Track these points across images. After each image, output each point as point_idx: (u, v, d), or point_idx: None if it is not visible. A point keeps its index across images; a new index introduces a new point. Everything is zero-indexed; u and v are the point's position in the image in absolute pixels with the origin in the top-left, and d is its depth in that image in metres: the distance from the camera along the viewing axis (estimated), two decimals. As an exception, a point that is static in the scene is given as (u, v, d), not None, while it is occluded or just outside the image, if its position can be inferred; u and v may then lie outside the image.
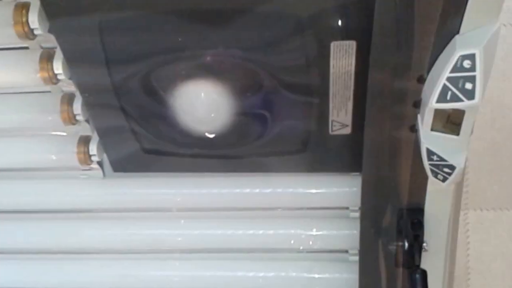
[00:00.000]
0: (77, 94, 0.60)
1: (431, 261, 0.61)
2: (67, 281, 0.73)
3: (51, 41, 0.57)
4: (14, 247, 0.74)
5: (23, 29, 0.53)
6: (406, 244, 0.60)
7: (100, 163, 0.67)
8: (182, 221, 0.70)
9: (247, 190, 0.66)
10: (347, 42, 0.51)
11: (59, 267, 0.74)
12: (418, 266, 0.60)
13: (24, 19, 0.53)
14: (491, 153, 0.84)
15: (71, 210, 0.71)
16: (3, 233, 0.72)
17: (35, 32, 0.54)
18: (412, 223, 0.60)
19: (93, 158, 0.64)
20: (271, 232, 0.68)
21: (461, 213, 0.87)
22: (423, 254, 0.60)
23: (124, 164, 0.66)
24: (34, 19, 0.53)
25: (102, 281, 0.73)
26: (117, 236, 0.71)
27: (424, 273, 0.59)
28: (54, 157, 0.65)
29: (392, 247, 0.63)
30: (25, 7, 0.53)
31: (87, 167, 0.67)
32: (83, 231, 0.71)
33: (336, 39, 0.51)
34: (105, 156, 0.66)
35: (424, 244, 0.60)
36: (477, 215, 0.87)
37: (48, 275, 0.74)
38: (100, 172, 0.68)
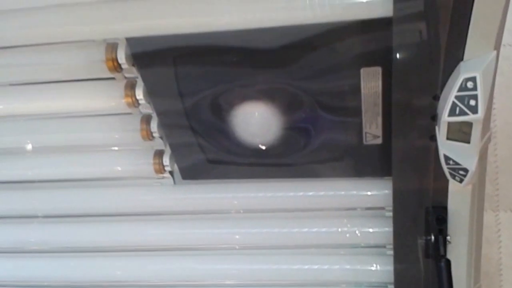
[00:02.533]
0: (154, 115, 0.76)
1: (455, 252, 0.72)
2: (141, 274, 0.88)
3: (133, 72, 0.72)
4: (96, 246, 0.89)
5: (113, 64, 0.69)
6: (432, 237, 0.72)
7: (171, 173, 0.82)
8: (240, 221, 0.84)
9: (300, 193, 0.79)
10: (374, 68, 0.64)
11: (134, 262, 0.88)
12: (443, 256, 0.71)
13: (114, 56, 0.68)
14: (519, 159, 0.95)
15: (147, 213, 0.86)
16: (89, 233, 0.88)
17: (122, 66, 0.69)
18: (437, 219, 0.71)
19: (166, 168, 0.79)
20: (323, 229, 0.81)
21: (493, 214, 0.97)
22: (448, 246, 0.72)
23: (191, 172, 0.80)
24: (121, 56, 0.68)
25: (171, 274, 0.87)
26: (184, 235, 0.85)
27: (448, 262, 0.71)
28: (134, 168, 0.81)
29: (421, 241, 0.74)
30: (114, 46, 0.69)
31: (160, 176, 0.82)
32: (156, 230, 0.86)
33: (365, 66, 0.64)
34: (175, 167, 0.81)
35: (448, 237, 0.72)
36: (507, 216, 0.97)
37: (123, 269, 0.89)
38: (171, 180, 0.83)
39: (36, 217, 0.89)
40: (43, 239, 0.89)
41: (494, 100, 0.96)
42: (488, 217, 0.97)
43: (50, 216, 0.89)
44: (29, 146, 0.83)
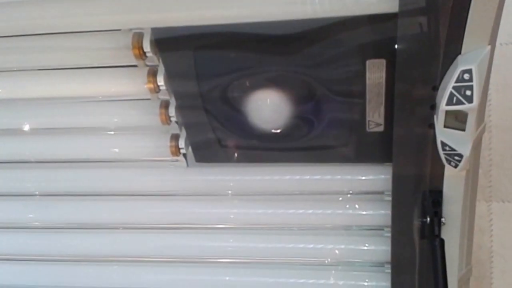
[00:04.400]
0: (172, 101, 0.82)
1: (448, 233, 0.78)
2: (147, 249, 0.95)
3: (154, 61, 0.79)
4: (114, 222, 0.96)
5: (139, 52, 0.75)
6: (428, 219, 0.78)
7: (184, 155, 0.88)
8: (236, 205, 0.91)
9: (305, 177, 0.86)
10: (378, 60, 0.71)
11: (147, 237, 0.95)
12: (438, 236, 0.78)
13: (140, 44, 0.75)
14: (511, 154, 1.01)
15: (161, 193, 0.92)
16: (108, 211, 0.94)
17: (147, 54, 0.76)
18: (433, 202, 0.77)
19: (181, 150, 0.85)
20: (328, 211, 0.87)
21: (486, 204, 1.04)
22: (442, 227, 0.78)
23: (204, 155, 0.86)
24: (147, 45, 0.74)
25: (176, 250, 0.94)
26: (194, 214, 0.92)
27: (442, 241, 0.77)
28: (151, 150, 0.87)
29: (418, 222, 0.81)
30: (140, 35, 0.75)
31: (175, 159, 0.88)
32: (168, 209, 0.93)
33: (370, 58, 0.71)
34: (188, 150, 0.87)
35: (442, 219, 0.78)
36: (499, 206, 1.03)
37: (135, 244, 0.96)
38: (184, 162, 0.89)
39: (59, 195, 0.96)
40: (65, 216, 0.96)
41: (490, 97, 1.02)
42: (481, 207, 1.04)
43: (69, 194, 0.96)
44: (50, 127, 0.90)
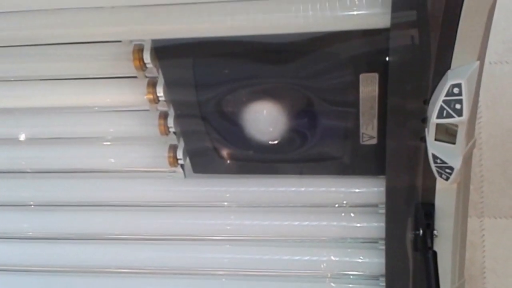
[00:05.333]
0: (170, 112, 0.85)
1: (441, 246, 0.81)
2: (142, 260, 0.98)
3: (153, 72, 0.82)
4: (110, 233, 0.98)
5: (139, 63, 0.78)
6: (421, 231, 0.81)
7: (182, 166, 0.91)
8: (232, 216, 0.93)
9: (298, 189, 0.89)
10: (371, 74, 0.74)
11: (137, 249, 0.98)
12: (430, 248, 0.80)
13: (140, 56, 0.78)
14: (502, 169, 1.05)
15: (158, 204, 0.95)
16: (104, 222, 0.97)
17: (147, 65, 0.79)
18: (425, 214, 0.80)
19: (179, 161, 0.88)
20: (314, 223, 0.90)
21: (477, 220, 1.07)
22: (434, 240, 0.81)
23: (202, 166, 0.89)
24: (147, 56, 0.78)
25: (171, 261, 0.97)
26: (191, 225, 0.94)
27: (434, 254, 0.80)
28: (148, 160, 0.90)
29: (411, 235, 0.84)
30: (141, 47, 0.78)
31: (172, 170, 0.91)
32: (164, 220, 0.95)
33: (363, 72, 0.74)
34: (186, 162, 0.90)
35: (435, 231, 0.81)
36: (491, 222, 1.06)
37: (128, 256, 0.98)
38: (182, 173, 0.91)
39: (55, 205, 0.98)
40: (61, 226, 0.98)
41: (481, 115, 1.06)
42: (473, 223, 1.07)
43: (65, 205, 0.98)
44: (47, 137, 0.93)
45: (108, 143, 0.92)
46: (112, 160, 0.91)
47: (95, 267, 1.00)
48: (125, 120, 0.88)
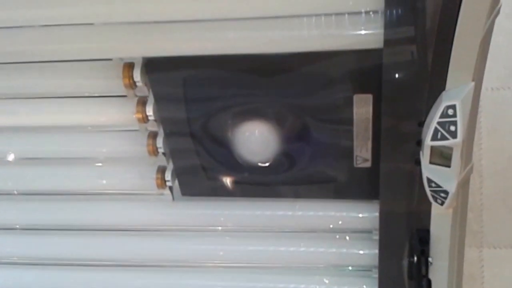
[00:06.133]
0: (160, 132, 0.84)
1: (436, 274, 0.79)
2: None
3: (144, 91, 0.82)
4: (94, 258, 0.96)
5: (129, 81, 0.78)
6: (415, 258, 0.80)
7: (170, 188, 0.90)
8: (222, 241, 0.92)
9: (288, 213, 0.87)
10: (365, 95, 0.74)
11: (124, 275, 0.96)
12: (425, 276, 0.79)
13: (130, 74, 0.78)
14: (503, 197, 1.04)
15: (144, 228, 0.94)
16: (89, 246, 0.95)
17: (137, 84, 0.79)
18: (420, 240, 0.79)
19: (167, 183, 0.87)
20: (310, 249, 0.89)
21: (477, 250, 1.05)
22: (430, 267, 0.79)
23: (191, 189, 0.88)
24: (137, 74, 0.77)
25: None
26: (179, 250, 0.93)
27: (429, 282, 0.79)
28: (136, 182, 0.89)
29: (405, 262, 0.82)
30: (131, 65, 0.78)
31: (160, 192, 0.90)
32: (152, 245, 0.93)
33: (357, 93, 0.74)
34: (175, 184, 0.89)
35: (430, 259, 0.79)
36: (491, 252, 1.05)
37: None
38: (170, 196, 0.90)
39: (40, 229, 0.97)
40: (45, 250, 0.97)
41: (481, 141, 1.06)
42: (472, 253, 1.05)
43: (50, 229, 0.97)
44: (34, 157, 0.92)
45: (95, 164, 0.91)
46: (100, 181, 0.90)
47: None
48: (113, 140, 0.88)
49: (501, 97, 1.03)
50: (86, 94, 0.85)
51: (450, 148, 0.69)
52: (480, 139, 1.04)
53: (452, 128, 0.67)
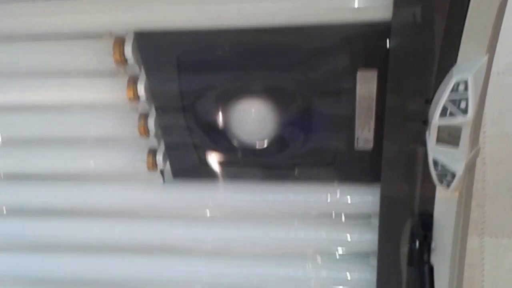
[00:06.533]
0: (151, 112, 0.80)
1: (439, 260, 0.76)
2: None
3: (135, 69, 0.78)
4: (82, 242, 0.92)
5: (120, 58, 0.74)
6: (417, 244, 0.76)
7: (161, 171, 0.86)
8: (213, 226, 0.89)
9: (283, 196, 0.84)
10: (369, 72, 0.70)
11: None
12: (427, 262, 0.76)
13: (121, 50, 0.74)
14: (506, 187, 1.01)
15: (133, 211, 0.90)
16: (76, 229, 0.91)
17: (128, 61, 0.75)
18: (422, 225, 0.76)
19: (158, 165, 0.83)
20: (300, 234, 0.86)
21: (478, 239, 1.03)
22: (432, 253, 0.76)
23: (182, 171, 0.85)
24: (128, 50, 0.74)
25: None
26: (169, 235, 0.90)
27: (431, 268, 0.75)
28: (126, 164, 0.85)
29: (406, 248, 0.79)
30: (122, 41, 0.74)
31: (150, 174, 0.86)
32: (138, 228, 0.90)
33: (361, 69, 0.70)
34: (166, 166, 0.85)
35: (432, 244, 0.76)
36: (492, 241, 1.02)
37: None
38: (161, 178, 0.86)
39: (24, 211, 0.93)
40: (32, 234, 0.94)
41: (485, 128, 1.02)
42: (473, 242, 1.02)
43: (33, 211, 0.93)
44: (20, 138, 0.88)
45: (84, 145, 0.87)
46: (88, 163, 0.86)
47: (65, 281, 0.94)
48: (103, 121, 0.84)
49: (507, 83, 1.00)
50: (76, 72, 0.81)
51: (459, 127, 0.66)
52: (484, 125, 1.01)
53: (463, 104, 0.64)
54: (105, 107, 0.83)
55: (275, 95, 0.75)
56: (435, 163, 0.70)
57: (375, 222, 0.82)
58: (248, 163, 0.82)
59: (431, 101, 0.68)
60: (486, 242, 1.02)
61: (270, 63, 0.73)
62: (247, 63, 0.74)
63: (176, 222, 0.89)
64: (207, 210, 0.88)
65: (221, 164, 0.83)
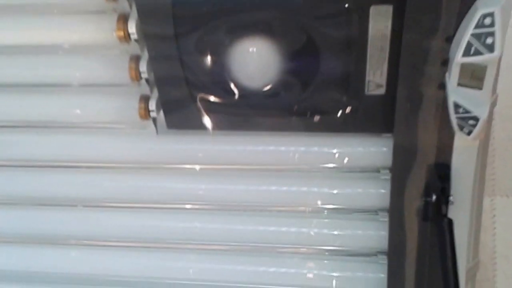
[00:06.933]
0: (143, 54, 0.74)
1: (457, 214, 0.71)
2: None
3: (124, 6, 0.71)
4: (71, 198, 0.87)
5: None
6: (434, 197, 0.71)
7: (154, 121, 0.79)
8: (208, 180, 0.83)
9: (284, 148, 0.79)
10: (384, 7, 0.64)
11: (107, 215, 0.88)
12: (445, 215, 0.71)
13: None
14: (517, 143, 0.96)
15: (125, 165, 0.84)
16: (64, 183, 0.86)
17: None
18: (439, 176, 0.70)
19: (151, 113, 0.77)
20: (314, 189, 0.80)
21: (488, 199, 0.97)
22: (450, 207, 0.71)
23: (178, 120, 0.78)
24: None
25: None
26: (157, 189, 0.84)
27: (450, 222, 0.70)
28: (117, 112, 0.79)
29: (421, 202, 0.74)
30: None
31: (143, 124, 0.79)
32: (129, 182, 0.84)
33: (375, 3, 0.64)
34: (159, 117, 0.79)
35: (451, 197, 0.71)
36: (503, 201, 0.97)
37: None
38: (154, 129, 0.80)
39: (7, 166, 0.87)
40: (17, 189, 0.88)
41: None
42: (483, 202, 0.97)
43: (21, 165, 0.87)
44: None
45: (69, 91, 0.80)
46: (74, 111, 0.80)
47: (56, 238, 0.90)
48: (91, 63, 0.77)
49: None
50: (60, 9, 0.74)
51: (484, 66, 0.61)
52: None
53: (489, 40, 0.59)
54: (92, 48, 0.76)
55: (278, 31, 0.68)
56: (456, 107, 0.64)
57: (384, 177, 0.77)
58: (249, 112, 0.76)
59: (452, 38, 0.63)
60: (497, 202, 0.97)
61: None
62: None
63: (170, 177, 0.83)
64: (207, 163, 0.82)
65: (221, 113, 0.76)
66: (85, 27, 0.74)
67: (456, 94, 0.64)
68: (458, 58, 0.61)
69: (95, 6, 0.72)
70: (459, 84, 0.63)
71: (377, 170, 0.79)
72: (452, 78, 0.63)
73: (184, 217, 0.85)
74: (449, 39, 0.63)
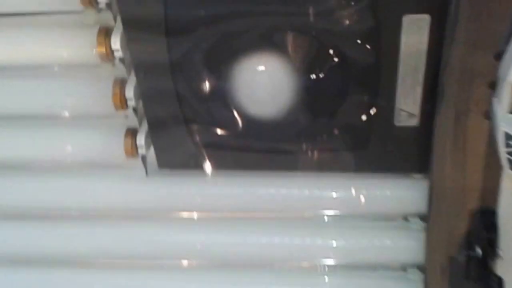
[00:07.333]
0: (130, 78, 0.64)
1: (508, 270, 0.60)
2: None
3: (107, 17, 0.62)
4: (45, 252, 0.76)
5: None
6: (478, 250, 0.60)
7: (143, 159, 0.69)
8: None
9: (296, 191, 0.69)
10: (420, 16, 0.54)
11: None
12: (493, 273, 0.59)
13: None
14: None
15: (108, 212, 0.74)
16: (38, 237, 0.76)
17: (100, 3, 0.59)
18: (484, 225, 0.60)
19: (139, 150, 0.67)
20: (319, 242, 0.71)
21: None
22: (498, 262, 0.60)
23: (171, 159, 0.68)
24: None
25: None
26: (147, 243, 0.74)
27: (500, 281, 0.59)
28: (101, 148, 0.69)
29: (462, 257, 0.62)
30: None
31: (130, 163, 0.69)
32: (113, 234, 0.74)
33: (408, 13, 0.54)
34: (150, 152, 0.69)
35: (499, 251, 0.60)
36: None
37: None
38: (143, 170, 0.70)
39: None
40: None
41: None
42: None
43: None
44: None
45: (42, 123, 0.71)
46: (47, 149, 0.71)
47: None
48: (69, 88, 0.68)
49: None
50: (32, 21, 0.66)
51: (542, 87, 0.50)
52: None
53: (549, 56, 0.49)
54: (71, 68, 0.68)
55: (291, 47, 0.59)
56: (508, 138, 0.54)
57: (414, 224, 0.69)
58: (255, 147, 0.66)
59: (502, 54, 0.52)
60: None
61: (284, 5, 0.56)
62: (254, 5, 0.57)
63: (162, 227, 0.73)
64: (204, 210, 0.73)
65: (220, 148, 0.66)
66: (61, 43, 0.65)
67: (507, 123, 0.53)
68: (510, 77, 0.50)
69: (73, 18, 0.64)
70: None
71: (406, 218, 0.69)
72: (503, 104, 0.53)
73: (181, 277, 0.75)
74: (499, 57, 0.53)
